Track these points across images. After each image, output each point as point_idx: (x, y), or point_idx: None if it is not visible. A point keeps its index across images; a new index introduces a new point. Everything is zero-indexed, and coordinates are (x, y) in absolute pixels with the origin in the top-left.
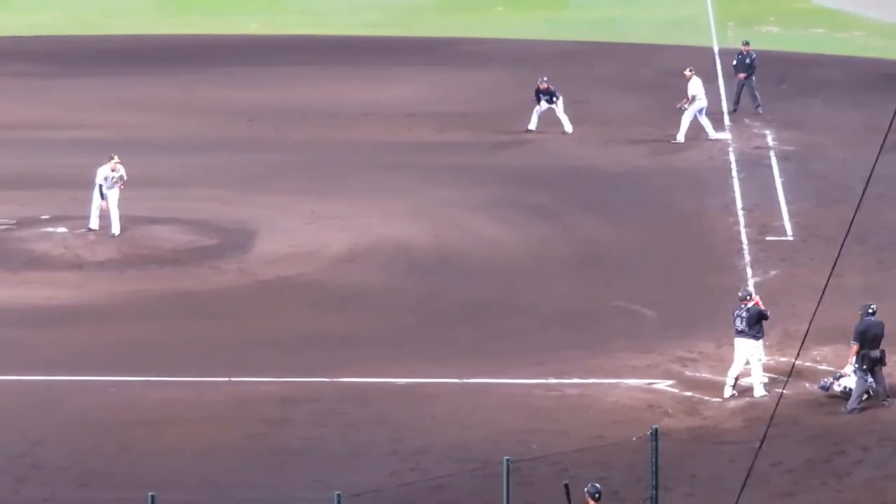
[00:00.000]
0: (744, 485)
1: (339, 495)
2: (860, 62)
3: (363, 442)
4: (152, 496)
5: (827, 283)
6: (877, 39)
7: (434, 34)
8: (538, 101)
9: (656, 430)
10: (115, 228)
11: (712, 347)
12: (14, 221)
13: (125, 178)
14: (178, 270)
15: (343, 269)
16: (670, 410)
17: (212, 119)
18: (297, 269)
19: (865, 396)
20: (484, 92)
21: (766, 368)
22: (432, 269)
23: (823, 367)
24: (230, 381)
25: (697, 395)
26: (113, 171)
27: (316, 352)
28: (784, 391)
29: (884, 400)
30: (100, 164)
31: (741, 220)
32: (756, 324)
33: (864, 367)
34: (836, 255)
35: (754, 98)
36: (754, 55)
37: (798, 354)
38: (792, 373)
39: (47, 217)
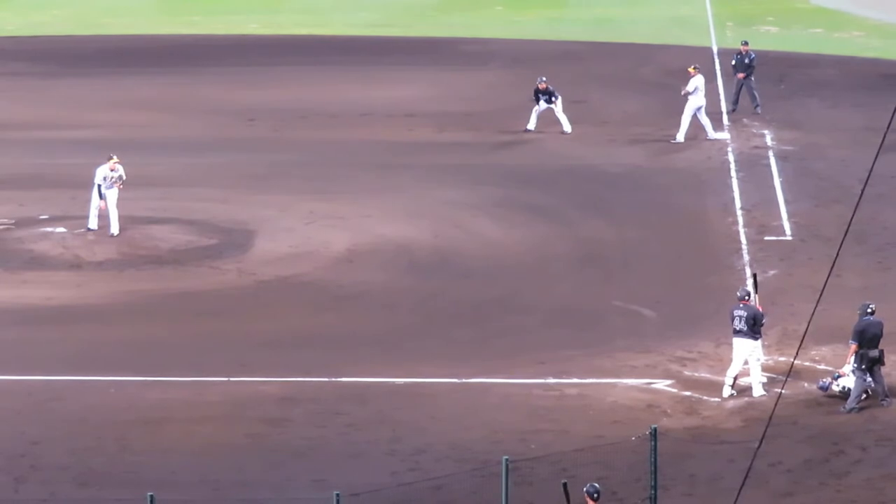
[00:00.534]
0: (742, 485)
1: (338, 495)
2: (859, 62)
3: (362, 441)
4: (151, 496)
5: (826, 283)
6: (875, 39)
7: (434, 34)
8: (537, 100)
9: (655, 429)
10: (114, 228)
11: (711, 347)
12: (13, 221)
13: (124, 177)
14: (177, 270)
15: (342, 268)
16: (669, 410)
17: (211, 119)
18: (297, 268)
19: (864, 396)
20: (483, 92)
21: (765, 368)
22: (432, 268)
23: (822, 366)
24: (229, 380)
25: (696, 395)
26: (112, 170)
27: (315, 351)
28: (783, 391)
29: (882, 399)
30: (99, 164)
31: (740, 219)
32: (755, 324)
33: (863, 366)
34: (835, 255)
35: (753, 98)
36: (753, 55)
37: (797, 354)
38: (791, 373)
39: (46, 217)
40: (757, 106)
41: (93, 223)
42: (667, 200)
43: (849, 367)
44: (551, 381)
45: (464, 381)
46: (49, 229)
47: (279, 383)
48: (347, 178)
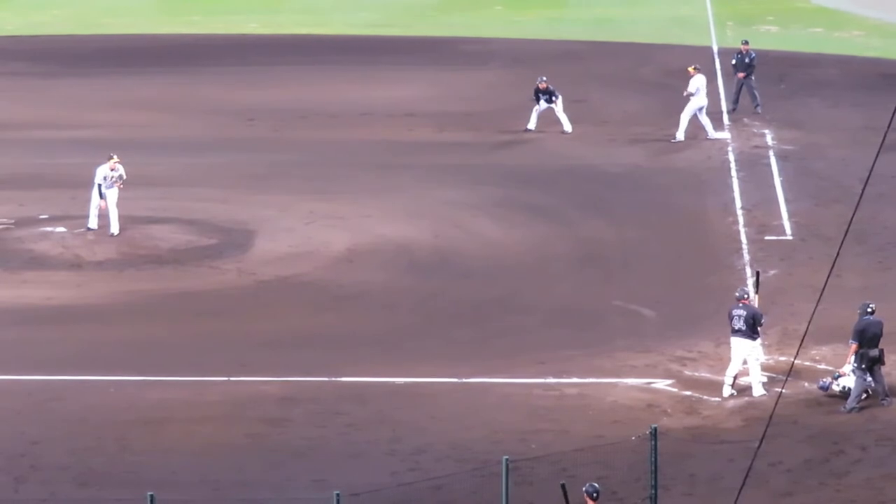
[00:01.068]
0: (743, 484)
1: (338, 495)
2: (859, 62)
3: (362, 441)
4: (151, 496)
5: (826, 283)
6: (876, 39)
7: (433, 34)
8: (537, 100)
9: (655, 429)
10: (114, 228)
11: (711, 347)
12: (13, 221)
13: (124, 177)
14: (177, 270)
15: (342, 268)
16: (669, 410)
17: (211, 119)
18: (297, 268)
19: (864, 396)
20: (483, 91)
21: (765, 368)
22: (432, 268)
23: (822, 366)
24: (229, 380)
25: (696, 395)
26: (112, 170)
27: (315, 351)
28: (783, 391)
29: (882, 399)
30: (99, 164)
31: (740, 219)
32: (754, 324)
33: (863, 366)
34: (835, 255)
35: (753, 97)
36: (753, 54)
37: (797, 354)
38: (791, 372)
39: (46, 217)
40: (757, 105)
41: (93, 223)
42: (667, 200)
43: (849, 366)
44: (551, 380)
45: (464, 380)
46: (49, 229)
47: (279, 383)
48: (347, 178)
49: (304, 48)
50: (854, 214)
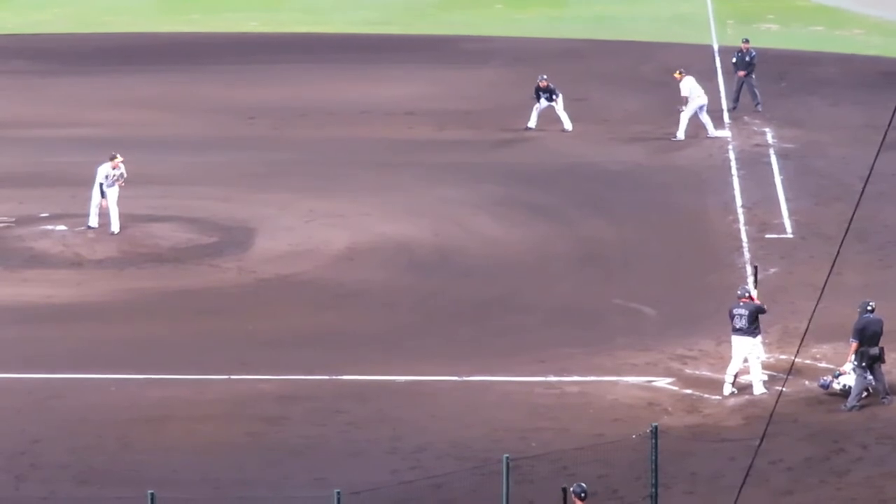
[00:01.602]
0: (743, 483)
1: (338, 493)
2: (860, 60)
3: (363, 440)
4: (152, 494)
5: (826, 281)
6: (876, 37)
7: (434, 32)
8: (538, 98)
9: (656, 427)
10: (115, 226)
11: (712, 345)
12: (13, 219)
13: (125, 175)
14: (177, 269)
15: (342, 267)
16: (670, 408)
17: (212, 117)
18: (297, 267)
19: (865, 394)
20: (484, 90)
21: (766, 366)
22: (432, 267)
23: (823, 364)
24: (230, 379)
25: (697, 393)
26: (114, 169)
27: (315, 350)
28: (783, 389)
29: (883, 397)
30: (100, 163)
31: (741, 217)
32: (754, 321)
33: (864, 364)
34: (836, 253)
35: (754, 96)
36: (754, 53)
37: (797, 352)
38: (791, 370)
39: (47, 215)
40: (758, 104)
41: (93, 221)
42: (667, 198)
43: (849, 365)
44: (552, 379)
45: (464, 379)
46: (49, 227)
47: (279, 381)
48: (347, 177)
49: (304, 47)
50: (854, 213)
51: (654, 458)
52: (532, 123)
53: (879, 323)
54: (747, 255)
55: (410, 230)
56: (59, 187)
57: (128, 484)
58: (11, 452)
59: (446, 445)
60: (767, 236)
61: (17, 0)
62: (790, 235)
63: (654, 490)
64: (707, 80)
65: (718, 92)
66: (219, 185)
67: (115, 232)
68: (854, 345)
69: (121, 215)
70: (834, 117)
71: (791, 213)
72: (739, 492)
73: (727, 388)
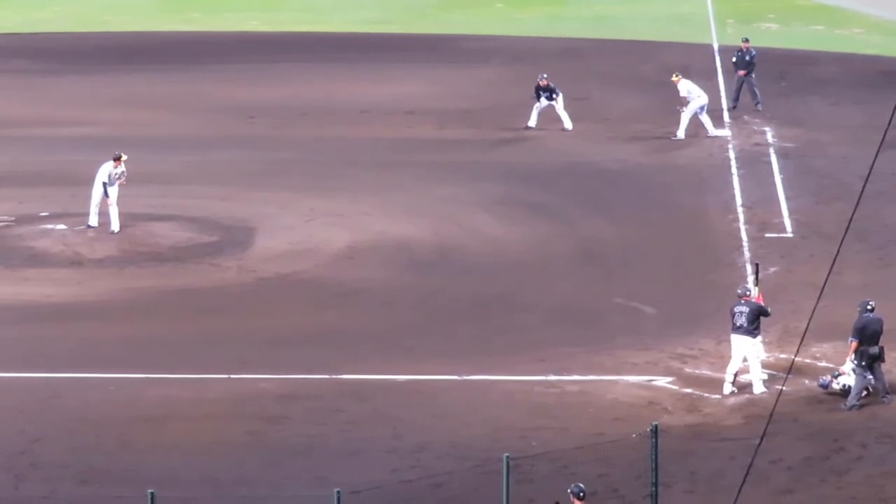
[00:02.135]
0: (743, 482)
1: (338, 492)
2: (860, 59)
3: (363, 439)
4: (152, 493)
5: (826, 280)
6: (876, 36)
7: (434, 31)
8: (538, 98)
9: (656, 426)
10: (115, 225)
11: (712, 344)
12: (13, 218)
13: (126, 173)
14: (177, 267)
15: (343, 266)
16: (670, 407)
17: (212, 116)
18: (297, 266)
19: (864, 393)
20: (484, 89)
21: (766, 365)
22: (432, 266)
23: (823, 363)
24: (230, 377)
25: (697, 392)
26: (116, 167)
27: (315, 349)
28: (783, 388)
29: (883, 397)
30: (101, 162)
31: (741, 216)
32: (755, 321)
33: (863, 363)
34: (836, 252)
35: (754, 95)
36: (754, 52)
37: (797, 351)
38: (791, 370)
39: (47, 214)
40: (758, 103)
41: (93, 220)
42: (667, 198)
43: (849, 364)
44: (552, 378)
45: (464, 378)
46: (49, 226)
47: (279, 380)
48: (347, 176)
49: (304, 46)
50: (854, 212)
51: (654, 457)
52: (532, 122)
53: (879, 322)
54: (747, 254)
55: (410, 229)
56: (58, 186)
57: (128, 483)
58: (11, 452)
59: (446, 444)
60: (767, 235)
61: None
62: (790, 234)
63: (654, 489)
64: (707, 80)
65: (718, 91)
66: (219, 184)
67: (115, 231)
68: (854, 344)
69: (121, 214)
70: (834, 117)
71: (791, 213)
72: (739, 491)
73: (727, 388)
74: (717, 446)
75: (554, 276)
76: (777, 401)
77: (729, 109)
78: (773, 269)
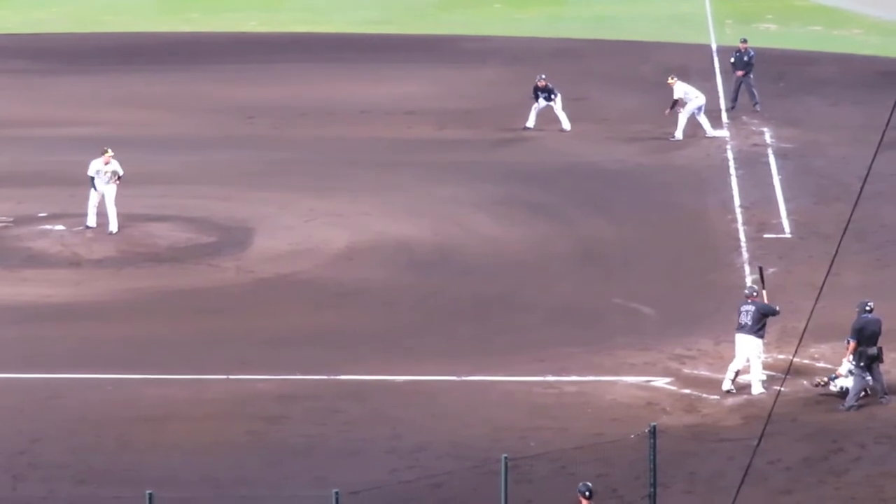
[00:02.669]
0: (742, 482)
1: (337, 493)
2: (858, 59)
3: (362, 439)
4: (150, 494)
5: (825, 281)
6: (875, 37)
7: (433, 31)
8: (537, 98)
9: (655, 427)
10: (113, 226)
11: (711, 345)
12: (12, 219)
13: (120, 173)
14: (176, 268)
15: (342, 266)
16: (669, 408)
17: (211, 116)
18: (296, 266)
19: (863, 394)
20: (483, 89)
21: (765, 366)
22: (432, 266)
23: (821, 364)
24: (229, 378)
25: (696, 393)
26: (106, 164)
27: (315, 349)
28: (782, 389)
29: (881, 397)
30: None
31: (739, 217)
32: (760, 321)
33: (862, 364)
34: (834, 253)
35: (752, 95)
36: (752, 52)
37: (796, 352)
38: (790, 370)
39: (45, 215)
40: (756, 104)
41: (91, 221)
42: (666, 198)
43: (846, 364)
44: (551, 378)
45: (463, 378)
46: (48, 227)
47: (279, 381)
48: (347, 176)
49: (303, 46)
50: (853, 212)
51: (652, 457)
52: (530, 123)
53: (878, 323)
54: (746, 254)
55: (410, 229)
56: (57, 187)
57: (127, 483)
58: (10, 452)
59: (445, 445)
60: (766, 236)
61: None
62: (788, 235)
63: (652, 489)
64: (705, 80)
65: (717, 92)
66: (218, 184)
67: (114, 231)
68: (852, 345)
69: (119, 215)
70: (832, 117)
71: (789, 213)
72: (738, 491)
73: (726, 384)
74: (716, 447)
75: (553, 277)
76: (775, 401)
77: (727, 110)
78: (771, 270)
